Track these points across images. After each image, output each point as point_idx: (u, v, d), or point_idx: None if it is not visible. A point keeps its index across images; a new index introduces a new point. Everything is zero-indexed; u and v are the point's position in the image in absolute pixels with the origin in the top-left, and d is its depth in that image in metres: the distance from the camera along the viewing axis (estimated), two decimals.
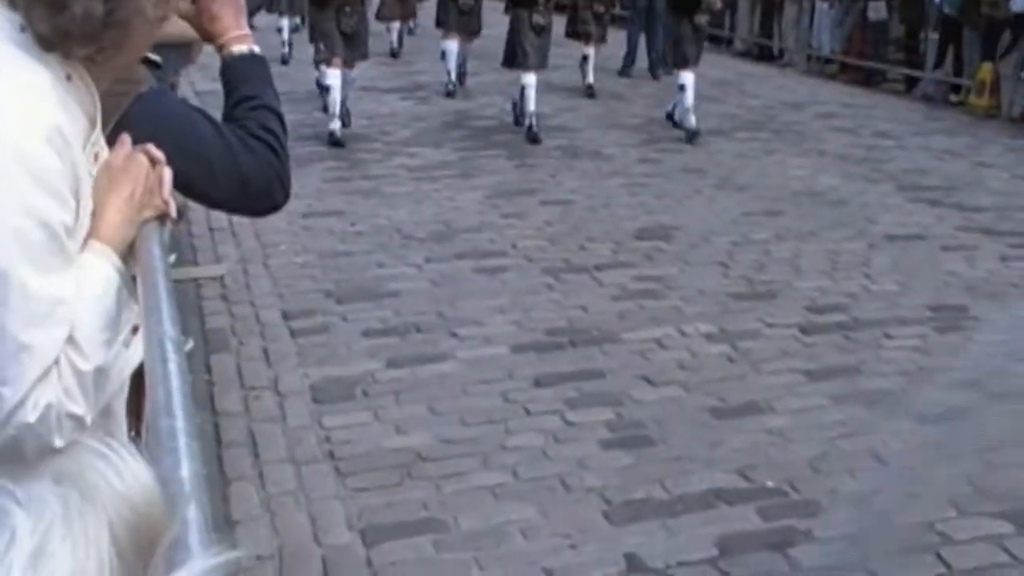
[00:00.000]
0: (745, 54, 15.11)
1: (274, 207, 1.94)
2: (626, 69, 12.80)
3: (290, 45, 12.75)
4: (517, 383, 4.55)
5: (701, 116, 10.41)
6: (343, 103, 8.87)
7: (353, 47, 8.71)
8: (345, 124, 8.92)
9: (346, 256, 6.08)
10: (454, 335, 5.03)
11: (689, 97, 9.44)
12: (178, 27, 2.35)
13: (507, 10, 9.75)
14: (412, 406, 4.32)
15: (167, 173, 1.56)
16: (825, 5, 13.94)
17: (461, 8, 11.07)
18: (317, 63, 9.22)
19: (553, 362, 4.77)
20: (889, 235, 6.86)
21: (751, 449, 4.06)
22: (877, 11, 13.20)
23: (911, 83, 12.93)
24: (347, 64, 8.77)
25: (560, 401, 4.39)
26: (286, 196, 1.93)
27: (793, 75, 13.73)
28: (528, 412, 4.30)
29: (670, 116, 9.76)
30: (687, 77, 9.44)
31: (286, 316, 5.15)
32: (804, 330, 5.27)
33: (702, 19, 9.68)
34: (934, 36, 12.61)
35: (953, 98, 12.11)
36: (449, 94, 11.05)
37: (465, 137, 9.06)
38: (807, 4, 14.13)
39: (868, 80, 13.44)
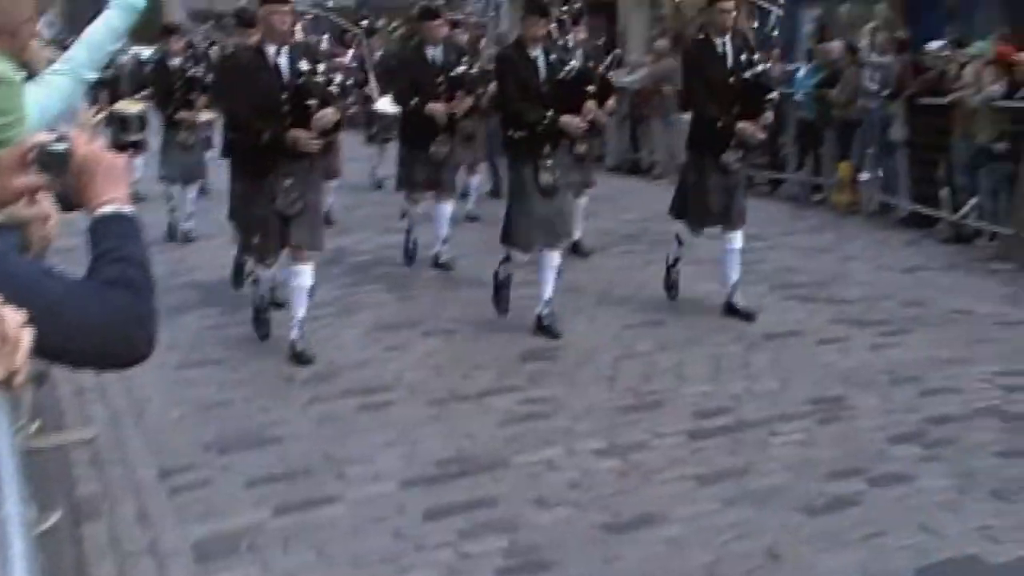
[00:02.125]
0: (617, 169, 15.49)
1: (139, 357, 1.88)
2: (496, 190, 12.15)
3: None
4: (408, 519, 4.45)
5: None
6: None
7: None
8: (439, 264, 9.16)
9: (226, 405, 5.93)
10: (341, 476, 4.92)
11: (733, 267, 7.51)
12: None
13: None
14: (301, 554, 4.18)
15: (25, 335, 1.49)
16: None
17: (432, 158, 8.89)
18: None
19: (444, 494, 4.69)
20: (767, 334, 7.01)
21: (648, 560, 4.02)
22: None
23: (776, 185, 13.42)
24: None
25: (453, 533, 4.30)
26: (150, 345, 1.87)
27: (665, 186, 14.06)
28: (420, 548, 4.19)
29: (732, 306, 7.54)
30: (735, 239, 7.52)
31: (163, 474, 4.96)
32: (692, 436, 5.31)
33: (731, 157, 7.36)
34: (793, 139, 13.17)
35: (816, 197, 12.60)
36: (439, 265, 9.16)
37: (343, 274, 9.03)
38: (672, 117, 14.59)
39: None
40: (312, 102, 6.45)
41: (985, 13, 18.47)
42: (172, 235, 10.51)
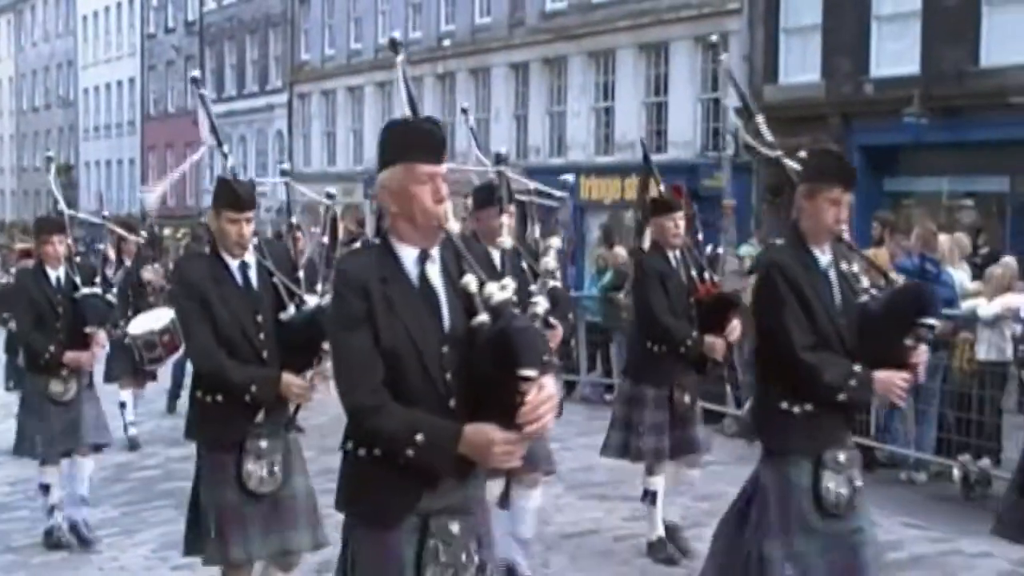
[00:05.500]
0: None
1: None
2: (173, 403, 11.86)
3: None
4: None
5: None
6: None
7: None
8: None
9: None
10: None
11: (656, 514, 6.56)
12: None
13: None
14: None
15: None
16: None
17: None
18: None
19: None
20: (564, 534, 7.02)
21: None
22: None
23: (570, 387, 13.69)
24: None
25: None
26: None
27: None
28: None
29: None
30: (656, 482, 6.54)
31: None
32: None
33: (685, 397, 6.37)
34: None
35: (608, 397, 12.91)
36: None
37: (127, 491, 8.59)
38: None
39: None
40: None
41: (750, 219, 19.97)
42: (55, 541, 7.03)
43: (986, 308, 8.36)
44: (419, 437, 2.92)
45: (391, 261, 3.07)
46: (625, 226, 22.12)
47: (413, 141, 3.08)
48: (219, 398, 4.53)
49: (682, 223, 6.27)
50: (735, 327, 6.19)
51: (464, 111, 8.56)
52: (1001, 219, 16.68)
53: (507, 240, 5.05)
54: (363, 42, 33.67)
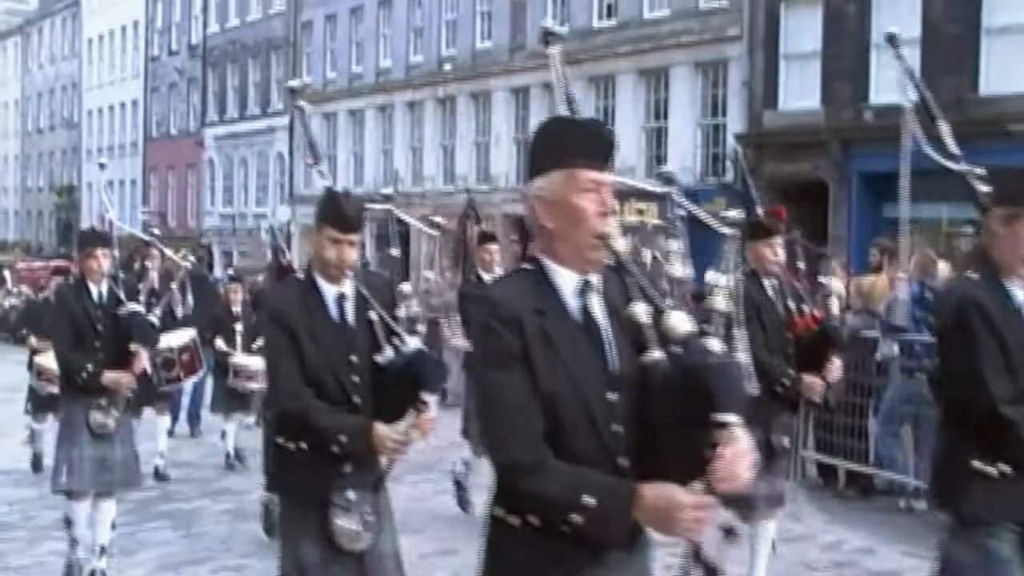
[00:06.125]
0: None
1: None
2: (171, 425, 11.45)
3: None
4: None
5: None
6: None
7: None
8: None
9: None
10: None
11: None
12: None
13: None
14: None
15: None
16: None
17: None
18: None
19: None
20: None
21: None
22: None
23: None
24: None
25: None
26: None
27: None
28: None
29: None
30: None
31: None
32: None
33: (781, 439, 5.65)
34: None
35: None
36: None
37: (125, 512, 8.56)
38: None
39: None
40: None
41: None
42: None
43: None
44: (587, 500, 2.38)
45: (547, 290, 2.56)
46: None
47: (576, 142, 2.59)
48: (303, 445, 3.91)
49: (781, 249, 5.78)
50: (836, 366, 5.67)
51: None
52: None
53: (679, 269, 4.77)
54: (364, 65, 33.82)
